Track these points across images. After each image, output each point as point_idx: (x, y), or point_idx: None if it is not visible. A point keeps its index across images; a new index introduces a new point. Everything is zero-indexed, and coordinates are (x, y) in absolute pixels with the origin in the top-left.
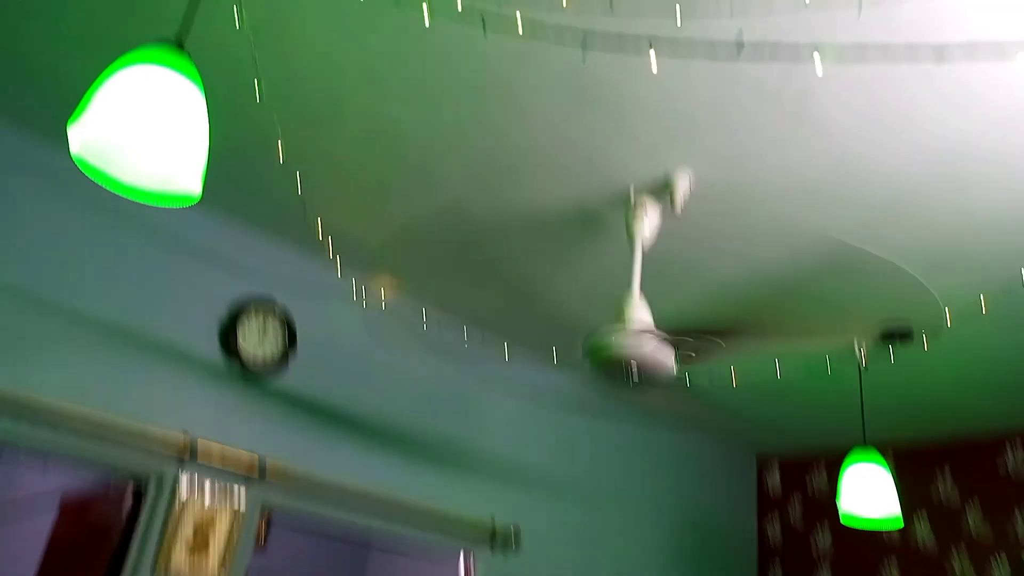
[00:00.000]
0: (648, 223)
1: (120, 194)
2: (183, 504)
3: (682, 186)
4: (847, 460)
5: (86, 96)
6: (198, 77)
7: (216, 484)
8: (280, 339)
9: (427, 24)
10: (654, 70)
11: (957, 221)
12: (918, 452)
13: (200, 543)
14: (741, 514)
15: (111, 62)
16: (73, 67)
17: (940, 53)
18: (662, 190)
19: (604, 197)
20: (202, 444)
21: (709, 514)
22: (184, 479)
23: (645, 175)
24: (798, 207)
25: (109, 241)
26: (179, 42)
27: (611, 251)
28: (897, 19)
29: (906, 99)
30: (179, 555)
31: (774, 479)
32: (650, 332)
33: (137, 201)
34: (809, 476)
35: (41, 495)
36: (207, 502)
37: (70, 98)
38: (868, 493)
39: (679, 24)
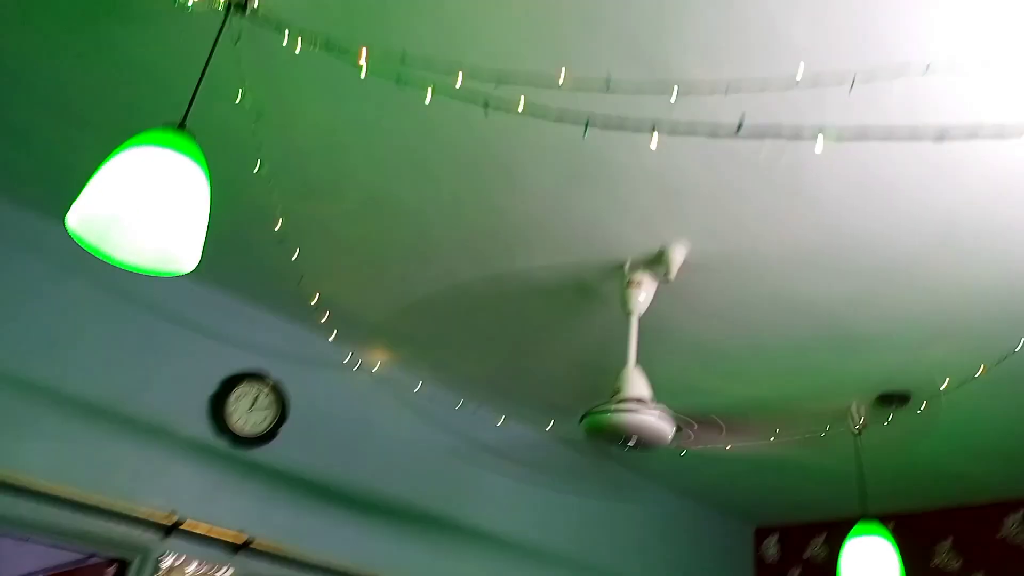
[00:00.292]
0: (643, 295)
1: (117, 265)
2: None
3: (677, 258)
4: (851, 533)
5: (90, 177)
6: (201, 157)
7: (201, 561)
8: (271, 411)
9: (427, 101)
10: (653, 147)
11: (952, 290)
12: (919, 520)
13: None
14: None
15: (116, 145)
16: (76, 147)
17: (940, 132)
18: (657, 261)
19: (599, 268)
20: (189, 523)
21: None
22: (170, 558)
23: (640, 247)
24: (792, 277)
25: (101, 318)
26: (183, 124)
27: (606, 321)
28: (889, 96)
29: (898, 172)
30: None
31: (772, 549)
32: (646, 403)
33: (133, 272)
34: (808, 545)
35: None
36: None
37: (69, 176)
38: (869, 566)
39: (673, 100)
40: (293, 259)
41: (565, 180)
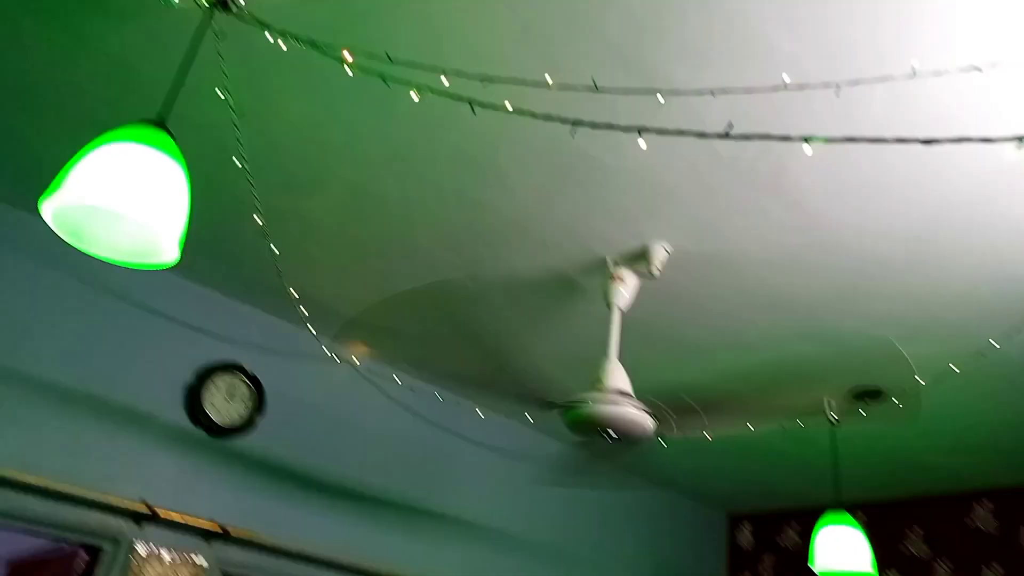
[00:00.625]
0: (625, 291)
1: (97, 257)
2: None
3: (659, 255)
4: (820, 522)
5: (64, 169)
6: (178, 153)
7: (176, 549)
8: (249, 403)
9: (415, 99)
10: (643, 147)
11: (929, 290)
12: (889, 508)
13: None
14: (712, 572)
15: (91, 140)
16: (51, 142)
17: (928, 138)
18: (640, 259)
19: (583, 265)
20: (163, 512)
21: (680, 573)
22: (144, 546)
23: (623, 245)
24: (773, 275)
25: (76, 307)
26: (161, 120)
27: (589, 317)
28: (872, 99)
29: (879, 173)
30: None
31: (745, 536)
32: (627, 396)
33: (113, 264)
34: (780, 533)
35: None
36: (166, 564)
37: (44, 169)
38: (841, 553)
39: (662, 101)
40: (273, 251)
41: (549, 177)
